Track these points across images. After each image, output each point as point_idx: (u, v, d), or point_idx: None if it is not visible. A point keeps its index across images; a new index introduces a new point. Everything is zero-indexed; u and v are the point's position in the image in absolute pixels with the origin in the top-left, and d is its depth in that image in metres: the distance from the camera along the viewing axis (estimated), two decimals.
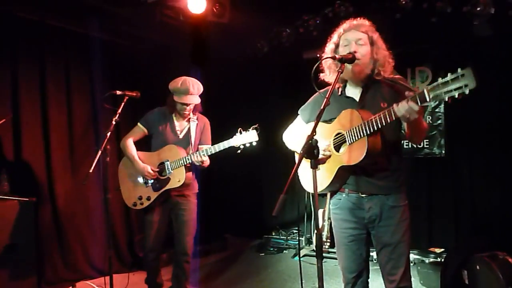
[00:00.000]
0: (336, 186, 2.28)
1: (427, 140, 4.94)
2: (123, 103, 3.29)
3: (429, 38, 4.74)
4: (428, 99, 1.77)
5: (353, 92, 2.28)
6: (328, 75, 2.29)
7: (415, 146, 4.97)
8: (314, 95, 2.44)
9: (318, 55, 5.03)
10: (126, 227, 4.95)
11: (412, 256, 4.40)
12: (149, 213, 3.45)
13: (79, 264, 4.41)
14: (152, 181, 3.39)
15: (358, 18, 2.27)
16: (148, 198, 3.38)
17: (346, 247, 2.30)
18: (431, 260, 4.05)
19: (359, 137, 2.05)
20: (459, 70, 1.68)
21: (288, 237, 5.60)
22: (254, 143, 3.10)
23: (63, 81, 4.45)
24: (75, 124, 4.52)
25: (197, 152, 3.25)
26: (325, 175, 2.24)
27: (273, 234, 5.74)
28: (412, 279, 4.06)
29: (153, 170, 3.35)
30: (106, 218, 3.44)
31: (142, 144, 3.61)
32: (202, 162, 3.27)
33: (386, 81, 2.21)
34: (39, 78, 4.25)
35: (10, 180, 3.76)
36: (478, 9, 3.97)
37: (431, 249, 4.47)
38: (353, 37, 2.17)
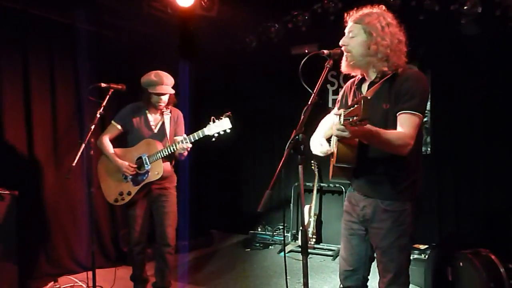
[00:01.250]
0: (339, 179, 2.26)
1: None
2: (108, 96, 3.26)
3: (417, 36, 4.73)
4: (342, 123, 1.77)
5: (364, 87, 2.22)
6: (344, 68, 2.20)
7: None
8: (348, 82, 2.41)
9: (306, 51, 5.04)
10: (111, 222, 4.90)
11: None
12: (132, 207, 3.48)
13: (62, 259, 4.34)
14: (131, 176, 3.41)
15: (368, 6, 2.17)
16: (129, 193, 3.41)
17: (347, 239, 2.32)
18: (415, 256, 4.07)
19: (335, 140, 2.09)
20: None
21: (274, 233, 5.61)
22: (228, 130, 3.14)
23: (46, 72, 4.35)
24: (59, 117, 4.43)
25: (178, 143, 3.27)
26: (331, 168, 2.25)
27: (259, 230, 5.74)
28: None
29: (131, 166, 3.38)
30: (90, 212, 3.42)
31: (120, 141, 3.61)
32: (186, 152, 3.30)
33: (397, 78, 2.07)
34: (22, 68, 4.13)
35: None
36: (466, 7, 4.01)
37: (415, 245, 4.50)
38: (346, 29, 2.15)
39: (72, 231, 4.47)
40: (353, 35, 2.12)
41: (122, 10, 4.57)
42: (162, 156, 3.31)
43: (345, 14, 2.21)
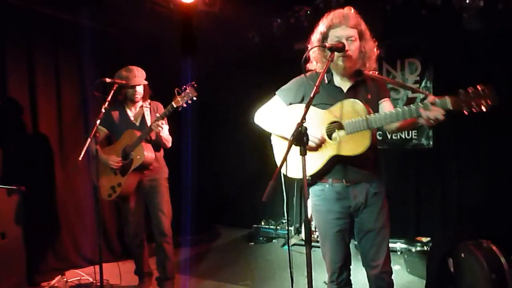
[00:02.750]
0: (322, 173, 2.27)
1: (416, 132, 4.99)
2: (112, 91, 3.28)
3: (419, 30, 4.77)
4: (451, 108, 1.89)
5: (341, 83, 2.30)
6: (316, 65, 2.31)
7: (403, 137, 5.03)
8: (297, 78, 2.40)
9: (309, 45, 5.05)
10: (116, 216, 4.94)
11: (399, 245, 4.47)
12: (126, 202, 3.58)
13: (69, 253, 4.40)
14: (119, 168, 3.50)
15: (345, 8, 2.24)
16: (119, 185, 3.49)
17: (332, 237, 2.30)
18: (418, 249, 4.11)
19: (362, 128, 2.08)
20: (479, 86, 1.82)
21: (278, 227, 5.64)
22: (194, 98, 3.19)
23: (52, 69, 4.40)
24: (64, 112, 4.48)
25: (153, 123, 3.34)
26: (314, 161, 2.24)
27: (263, 223, 5.77)
28: (399, 267, 4.17)
29: (116, 159, 3.48)
30: (96, 207, 3.46)
31: (111, 142, 3.74)
32: (159, 128, 3.32)
33: (369, 75, 2.29)
34: (28, 65, 4.19)
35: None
36: (468, 2, 4.01)
37: (418, 238, 4.53)
38: (344, 34, 2.15)
39: (78, 226, 4.53)
40: (353, 40, 2.17)
41: (125, 7, 4.60)
42: (141, 140, 3.39)
43: (329, 17, 2.22)
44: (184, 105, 3.21)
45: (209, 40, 5.26)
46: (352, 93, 2.25)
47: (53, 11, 4.35)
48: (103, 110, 3.18)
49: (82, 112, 4.62)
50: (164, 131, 3.41)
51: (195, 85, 3.18)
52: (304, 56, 1.98)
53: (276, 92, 2.46)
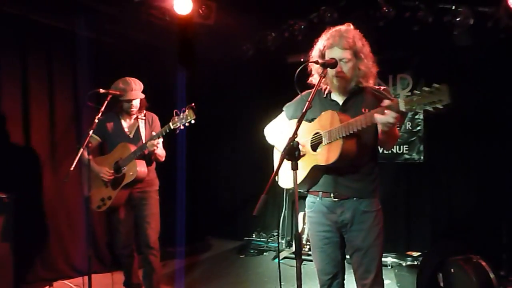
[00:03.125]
0: (308, 184, 2.31)
1: (407, 146, 5.04)
2: (106, 101, 3.29)
3: (411, 46, 4.85)
4: (403, 110, 1.84)
5: (337, 96, 2.32)
6: (315, 78, 2.32)
7: (394, 151, 5.07)
8: (303, 93, 2.43)
9: (302, 59, 5.09)
10: (106, 226, 4.89)
11: (390, 260, 4.48)
12: (115, 213, 3.54)
13: (58, 263, 4.35)
14: (110, 181, 3.46)
15: (345, 25, 2.26)
16: (109, 198, 3.45)
17: (321, 249, 2.32)
18: (408, 263, 4.14)
19: (335, 138, 2.09)
20: (435, 85, 1.74)
21: (269, 240, 5.63)
22: (193, 121, 3.12)
23: (45, 78, 4.40)
24: (57, 121, 4.47)
25: (148, 140, 3.30)
26: (299, 172, 2.26)
27: (254, 236, 5.76)
28: (389, 282, 4.17)
29: (108, 171, 3.43)
30: (87, 217, 3.44)
31: (102, 151, 3.71)
32: (155, 147, 3.28)
33: (370, 90, 2.26)
34: (21, 73, 4.19)
35: None
36: (458, 19, 4.09)
37: (409, 252, 4.56)
38: (337, 56, 2.16)
39: (68, 235, 4.48)
40: (346, 61, 2.18)
41: (121, 17, 4.62)
42: (135, 156, 3.34)
43: (328, 29, 2.26)
44: (182, 127, 3.15)
45: (204, 51, 5.29)
46: (347, 106, 2.26)
47: (48, 19, 4.36)
48: (96, 121, 3.18)
49: (75, 122, 4.61)
50: (159, 147, 3.37)
51: (194, 107, 3.11)
52: (297, 72, 2.00)
53: (283, 108, 2.57)
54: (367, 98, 2.24)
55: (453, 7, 4.08)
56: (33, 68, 4.28)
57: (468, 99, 4.61)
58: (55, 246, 4.37)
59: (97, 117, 3.20)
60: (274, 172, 1.77)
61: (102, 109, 3.23)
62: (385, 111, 1.90)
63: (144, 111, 3.62)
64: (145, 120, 3.60)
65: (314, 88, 2.03)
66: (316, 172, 2.23)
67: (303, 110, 1.94)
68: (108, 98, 3.32)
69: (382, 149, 5.02)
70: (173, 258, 5.15)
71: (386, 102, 1.90)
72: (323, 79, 2.13)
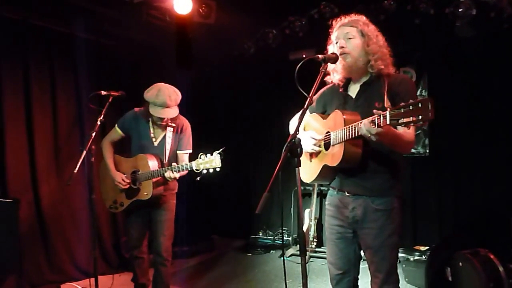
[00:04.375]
0: (323, 181, 2.32)
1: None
2: (108, 103, 3.28)
3: (413, 39, 4.80)
4: (388, 123, 1.72)
5: (353, 88, 2.26)
6: (332, 75, 2.29)
7: None
8: (324, 88, 2.42)
9: (304, 56, 5.08)
10: (112, 228, 4.93)
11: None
12: (130, 213, 3.44)
13: (64, 266, 4.37)
14: (125, 189, 3.34)
15: (352, 14, 2.24)
16: (122, 204, 3.36)
17: (333, 243, 2.32)
18: (416, 258, 4.09)
19: (339, 141, 2.06)
20: (419, 99, 1.60)
21: (275, 237, 5.62)
22: (218, 169, 2.96)
23: (47, 81, 4.41)
24: (59, 125, 4.48)
25: (168, 168, 3.13)
26: (313, 169, 2.29)
27: (260, 234, 5.75)
28: None
29: (124, 180, 3.29)
30: (92, 219, 3.41)
31: (124, 145, 3.57)
32: (172, 180, 3.17)
33: (389, 79, 2.15)
34: (23, 77, 4.20)
35: None
36: (460, 10, 4.04)
37: (416, 247, 4.52)
38: (341, 33, 2.18)
39: (74, 238, 4.50)
40: (350, 37, 2.16)
41: (121, 19, 4.62)
42: (152, 177, 3.16)
43: (332, 21, 2.26)
44: (204, 171, 2.97)
45: (205, 51, 5.28)
46: (361, 100, 2.19)
47: (48, 23, 4.37)
48: (98, 123, 3.18)
49: (78, 124, 4.62)
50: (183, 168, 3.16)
51: (222, 154, 2.95)
52: (297, 68, 1.98)
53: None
54: (382, 90, 2.11)
55: None
56: (35, 72, 4.29)
57: (471, 91, 4.58)
58: (61, 248, 4.38)
59: (99, 119, 3.20)
60: (276, 170, 1.75)
61: (104, 111, 3.23)
62: (369, 124, 1.81)
63: (173, 125, 3.36)
64: (174, 128, 3.34)
65: (315, 84, 2.00)
66: (327, 170, 2.22)
67: (304, 107, 1.92)
68: (110, 100, 3.31)
69: None
70: (178, 257, 5.15)
71: (376, 112, 1.77)
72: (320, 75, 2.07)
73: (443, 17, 4.14)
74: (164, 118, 3.22)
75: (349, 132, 1.98)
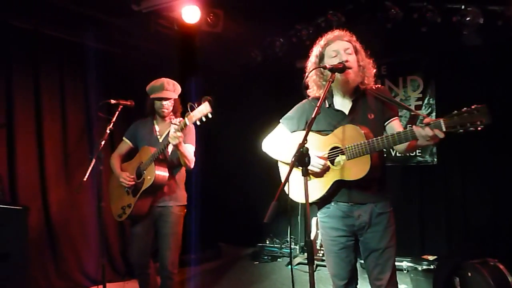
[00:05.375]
0: (327, 197, 2.30)
1: (420, 148, 4.99)
2: (117, 112, 3.30)
3: (420, 48, 4.81)
4: (444, 129, 1.86)
5: (342, 104, 2.30)
6: (314, 90, 2.34)
7: (407, 154, 5.02)
8: (299, 104, 2.44)
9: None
10: (120, 236, 4.94)
11: (405, 264, 4.43)
12: (134, 225, 3.31)
13: (72, 273, 4.39)
14: (130, 187, 3.28)
15: (337, 30, 2.32)
16: (129, 205, 3.24)
17: (335, 255, 2.31)
18: (424, 267, 4.08)
19: (362, 154, 2.07)
20: (475, 106, 1.78)
21: (282, 245, 5.61)
22: (209, 115, 2.91)
23: (57, 90, 4.47)
24: (69, 133, 4.53)
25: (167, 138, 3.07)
26: (318, 187, 2.26)
27: (267, 242, 5.75)
28: (405, 286, 4.12)
29: (128, 176, 3.26)
30: (100, 227, 3.42)
31: (131, 158, 3.53)
32: (177, 140, 2.98)
33: (371, 92, 2.27)
34: (33, 86, 4.26)
35: (4, 189, 3.75)
36: (468, 19, 4.04)
37: (424, 256, 4.49)
38: (341, 47, 2.21)
39: (82, 245, 4.52)
40: (350, 52, 2.21)
41: (130, 28, 4.68)
42: (155, 158, 3.11)
43: (321, 38, 2.33)
44: (198, 122, 2.93)
45: (213, 59, 5.32)
46: (354, 115, 2.25)
47: (58, 32, 4.44)
48: (108, 131, 3.19)
49: (87, 132, 4.67)
50: (187, 148, 3.14)
51: (211, 100, 2.91)
52: (304, 80, 2.00)
53: (280, 120, 2.50)
54: (370, 102, 2.26)
55: (462, 7, 4.04)
56: (45, 81, 4.35)
57: (479, 99, 4.55)
58: (69, 255, 4.41)
59: (108, 128, 3.22)
60: (285, 179, 1.76)
61: (114, 119, 3.24)
62: (427, 129, 1.90)
63: (180, 118, 3.33)
64: (178, 125, 3.27)
65: (323, 93, 2.02)
66: (338, 185, 2.22)
67: (312, 116, 1.93)
68: (119, 109, 3.33)
69: (394, 151, 5.03)
70: (186, 265, 5.15)
71: (427, 120, 1.91)
72: (328, 85, 2.09)
73: (450, 26, 4.14)
74: (164, 103, 3.27)
75: (384, 142, 2.02)
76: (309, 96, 2.38)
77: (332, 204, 2.30)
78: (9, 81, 4.07)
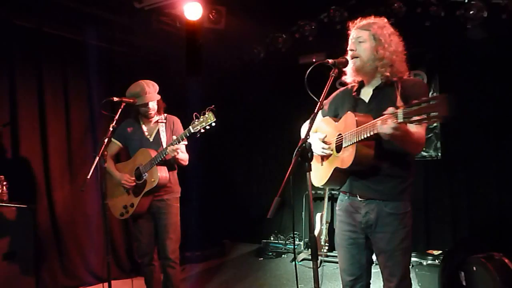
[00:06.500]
0: (334, 184, 2.30)
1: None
2: (120, 109, 3.30)
3: (424, 42, 4.78)
4: (401, 121, 1.73)
5: (366, 93, 2.26)
6: (346, 76, 2.29)
7: None
8: (337, 91, 2.43)
9: (314, 60, 5.08)
10: (125, 233, 4.96)
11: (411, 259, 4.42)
12: (137, 220, 3.47)
13: (78, 271, 4.41)
14: (131, 188, 3.41)
15: (372, 17, 2.24)
16: (132, 205, 3.40)
17: (345, 249, 2.30)
18: (429, 262, 4.06)
19: (350, 142, 2.05)
20: (432, 95, 1.67)
21: (287, 242, 5.61)
22: (213, 124, 3.05)
23: (60, 88, 4.48)
24: (73, 131, 4.55)
25: (168, 145, 3.22)
26: (324, 173, 2.28)
27: (272, 238, 5.75)
28: None
29: (129, 178, 3.39)
30: (105, 224, 3.42)
31: (125, 157, 3.65)
32: (175, 153, 3.18)
33: (402, 83, 2.13)
34: (37, 85, 4.27)
35: (9, 187, 3.77)
36: (471, 12, 4.02)
37: (429, 251, 4.48)
38: (354, 36, 2.19)
39: (87, 243, 4.55)
40: (361, 40, 2.16)
41: (132, 26, 4.68)
42: (156, 162, 3.28)
43: (349, 23, 2.26)
44: (202, 130, 3.06)
45: (216, 56, 5.31)
46: (373, 104, 2.18)
47: (61, 31, 4.44)
48: (111, 129, 3.19)
49: (91, 130, 4.68)
50: (181, 151, 3.29)
51: (215, 109, 3.03)
52: (307, 73, 1.98)
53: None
54: (395, 95, 2.09)
55: (466, 0, 4.01)
56: (48, 79, 4.36)
57: (483, 93, 4.53)
58: (75, 253, 4.43)
59: (112, 125, 3.21)
60: (287, 174, 1.76)
61: (117, 117, 3.24)
62: (388, 120, 1.79)
63: (165, 114, 3.55)
64: (165, 123, 3.51)
65: (325, 88, 2.01)
66: (338, 173, 2.20)
67: (315, 111, 1.93)
68: (122, 106, 3.33)
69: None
70: (190, 262, 5.17)
71: (389, 110, 1.77)
72: (331, 80, 2.07)
73: (454, 20, 4.11)
74: (149, 106, 3.37)
75: (362, 132, 1.97)
76: (347, 84, 2.34)
77: (345, 197, 2.30)
78: (12, 80, 4.08)
